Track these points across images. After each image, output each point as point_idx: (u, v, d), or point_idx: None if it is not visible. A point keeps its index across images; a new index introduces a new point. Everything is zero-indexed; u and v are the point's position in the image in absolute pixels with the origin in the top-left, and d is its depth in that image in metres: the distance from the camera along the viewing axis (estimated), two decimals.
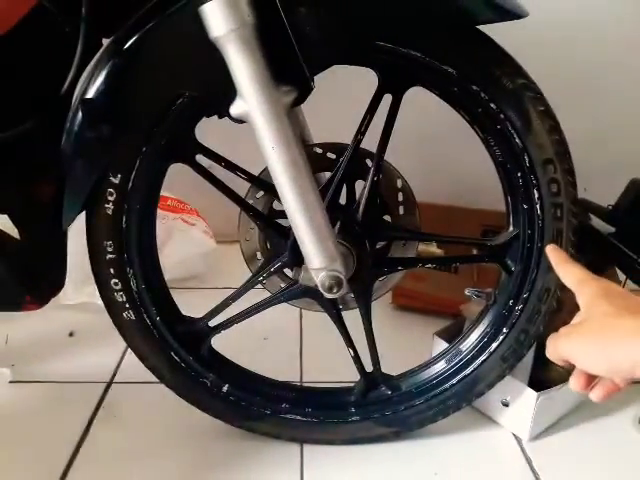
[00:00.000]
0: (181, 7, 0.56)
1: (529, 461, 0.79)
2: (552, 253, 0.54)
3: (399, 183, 0.73)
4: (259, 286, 0.76)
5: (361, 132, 0.68)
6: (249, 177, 0.71)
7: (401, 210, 0.74)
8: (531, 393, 0.79)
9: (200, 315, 0.77)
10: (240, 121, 0.59)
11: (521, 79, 0.64)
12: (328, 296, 0.67)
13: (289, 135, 0.58)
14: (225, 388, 0.78)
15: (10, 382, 0.90)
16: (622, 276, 0.87)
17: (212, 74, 0.57)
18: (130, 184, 0.65)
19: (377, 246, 0.74)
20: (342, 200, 0.72)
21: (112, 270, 0.70)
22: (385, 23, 0.59)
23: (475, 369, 0.77)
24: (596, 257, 0.84)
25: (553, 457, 0.80)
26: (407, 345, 0.95)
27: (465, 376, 0.78)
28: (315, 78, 0.59)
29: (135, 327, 0.73)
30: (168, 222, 1.15)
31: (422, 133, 1.15)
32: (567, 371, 0.48)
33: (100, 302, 0.73)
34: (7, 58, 0.58)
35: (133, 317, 0.72)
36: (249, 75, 0.55)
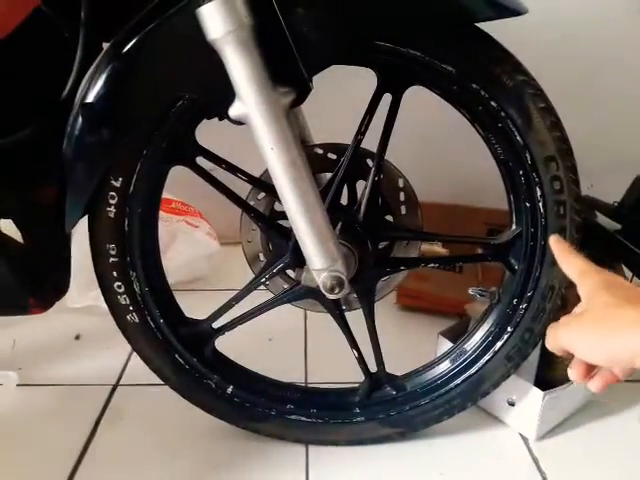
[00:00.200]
0: (179, 10, 0.56)
1: (536, 461, 0.79)
2: (555, 244, 0.54)
3: (400, 182, 0.72)
4: (262, 287, 0.76)
5: (361, 132, 0.68)
6: (250, 179, 0.71)
7: (403, 210, 0.74)
8: (537, 392, 0.79)
9: (204, 317, 0.77)
10: (239, 123, 0.59)
11: (521, 76, 0.63)
12: (330, 297, 0.67)
13: (288, 136, 0.58)
14: (229, 389, 0.78)
15: (17, 385, 0.91)
16: (628, 273, 0.86)
17: (211, 76, 0.57)
18: (131, 187, 0.66)
19: (379, 246, 0.74)
20: (343, 200, 0.72)
21: (115, 273, 0.70)
22: (384, 22, 0.59)
23: (480, 368, 0.77)
24: (602, 254, 0.84)
25: (560, 457, 0.79)
26: (412, 345, 0.94)
27: (470, 375, 0.77)
28: (314, 78, 0.59)
29: (139, 330, 0.73)
30: (172, 224, 1.16)
31: (423, 132, 1.15)
32: None
33: (105, 305, 0.73)
34: (7, 63, 0.59)
35: (137, 320, 0.73)
36: (247, 77, 0.55)
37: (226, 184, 0.71)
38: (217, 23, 0.53)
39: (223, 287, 1.11)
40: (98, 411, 0.86)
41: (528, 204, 0.69)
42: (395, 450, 0.80)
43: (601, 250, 0.83)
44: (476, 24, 0.62)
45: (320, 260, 0.64)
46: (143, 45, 0.58)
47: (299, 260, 0.69)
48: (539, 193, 0.68)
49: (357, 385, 0.81)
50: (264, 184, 0.70)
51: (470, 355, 0.78)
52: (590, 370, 0.47)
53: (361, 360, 0.78)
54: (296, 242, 0.65)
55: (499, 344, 0.76)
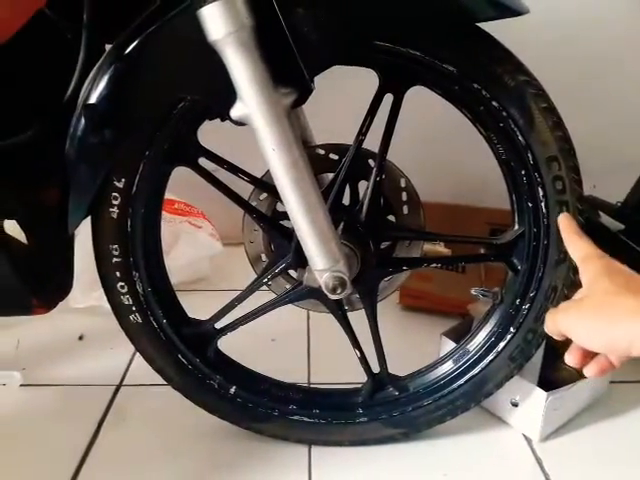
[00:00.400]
0: (181, 11, 0.56)
1: (539, 462, 0.79)
2: (563, 222, 0.54)
3: (402, 182, 0.72)
4: (265, 288, 0.76)
5: (363, 132, 0.68)
6: (252, 179, 0.72)
7: (405, 210, 0.73)
8: (541, 393, 0.78)
9: (206, 317, 0.78)
10: (241, 124, 0.59)
11: (522, 76, 0.63)
12: (332, 297, 0.67)
13: (289, 137, 0.58)
14: (232, 390, 0.78)
15: (21, 386, 0.91)
16: None
17: (212, 77, 0.57)
18: (134, 188, 0.66)
19: (381, 246, 0.74)
20: (345, 201, 0.72)
21: (118, 273, 0.70)
22: (384, 23, 0.59)
23: (483, 369, 0.77)
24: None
25: (564, 458, 0.79)
26: (414, 345, 0.94)
27: (473, 376, 0.77)
28: (316, 79, 0.59)
29: (142, 330, 0.74)
30: (175, 225, 1.16)
31: (425, 132, 1.15)
32: (577, 371, 0.48)
33: (108, 306, 0.73)
34: (10, 65, 0.59)
35: (140, 320, 0.73)
36: (248, 77, 0.55)
37: (228, 185, 0.71)
38: (218, 24, 0.53)
39: (226, 287, 1.12)
40: (101, 411, 0.87)
41: (530, 204, 0.69)
42: (398, 451, 0.80)
43: (604, 250, 0.83)
44: (477, 24, 0.62)
45: (322, 260, 0.64)
46: (145, 47, 0.58)
47: (301, 260, 0.69)
48: (541, 193, 0.67)
49: (360, 386, 0.81)
50: (266, 185, 0.71)
51: (473, 355, 0.77)
52: (587, 356, 0.47)
53: (364, 360, 0.78)
54: (298, 242, 0.65)
55: (502, 344, 0.76)
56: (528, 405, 0.81)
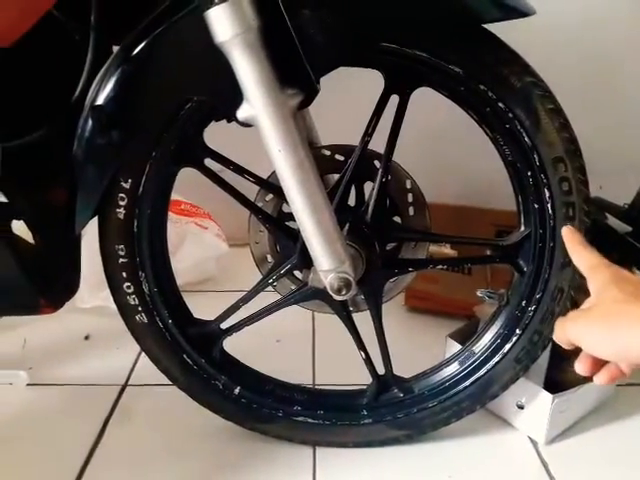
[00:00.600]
0: (188, 13, 0.57)
1: (545, 465, 0.78)
2: (567, 234, 0.54)
3: (408, 184, 0.72)
4: (270, 289, 0.76)
5: (369, 134, 0.68)
6: (258, 180, 0.72)
7: (411, 211, 0.73)
8: (546, 395, 0.78)
9: (212, 318, 0.78)
10: (247, 125, 0.60)
11: (529, 77, 0.63)
12: (337, 298, 0.67)
13: (295, 138, 0.58)
14: (237, 390, 0.78)
15: (27, 385, 0.92)
16: None
17: (219, 79, 0.58)
18: (141, 188, 0.66)
19: (387, 247, 0.74)
20: (351, 202, 0.72)
21: (124, 274, 0.71)
22: (390, 24, 0.59)
23: (489, 371, 0.76)
24: (613, 256, 0.83)
25: (570, 461, 0.79)
26: (420, 347, 0.94)
27: (479, 378, 0.77)
28: (322, 80, 0.59)
29: (147, 330, 0.74)
30: (181, 226, 1.16)
31: (431, 133, 1.15)
32: None
33: (114, 306, 0.74)
34: (18, 67, 0.60)
35: (145, 320, 0.73)
36: (255, 79, 0.55)
37: (234, 186, 0.72)
38: (225, 26, 0.53)
39: (231, 288, 1.11)
40: (107, 411, 0.87)
41: (536, 205, 0.69)
42: (403, 452, 0.80)
43: (611, 252, 0.83)
44: (483, 25, 0.62)
45: (327, 261, 0.64)
46: (152, 48, 0.59)
47: (306, 261, 0.69)
48: (547, 194, 0.67)
49: (365, 387, 0.80)
50: (272, 186, 0.71)
51: (479, 357, 0.77)
52: (597, 364, 0.47)
53: (369, 362, 0.78)
54: (304, 243, 0.66)
55: (508, 346, 0.75)
56: (534, 407, 0.80)
